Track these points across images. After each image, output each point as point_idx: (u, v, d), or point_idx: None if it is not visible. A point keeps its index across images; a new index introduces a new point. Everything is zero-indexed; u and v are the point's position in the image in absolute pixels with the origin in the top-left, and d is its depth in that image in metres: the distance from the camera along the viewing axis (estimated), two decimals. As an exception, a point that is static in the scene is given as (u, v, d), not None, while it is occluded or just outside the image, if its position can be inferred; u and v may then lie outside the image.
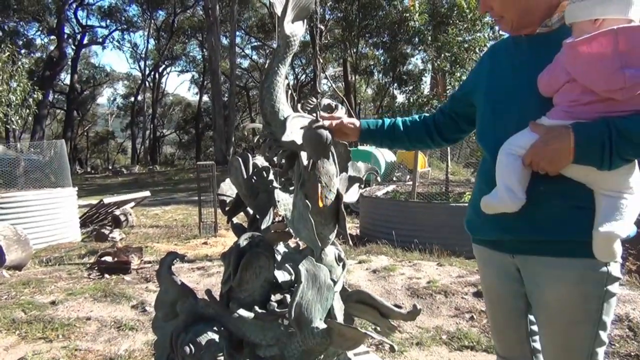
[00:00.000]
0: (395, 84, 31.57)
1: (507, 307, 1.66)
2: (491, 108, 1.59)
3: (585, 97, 1.34)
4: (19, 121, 11.21)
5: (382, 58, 31.28)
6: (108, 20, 37.78)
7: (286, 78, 1.54)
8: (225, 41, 34.28)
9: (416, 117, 1.90)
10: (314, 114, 1.51)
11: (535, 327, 1.64)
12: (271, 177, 1.62)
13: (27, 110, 10.71)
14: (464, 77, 8.33)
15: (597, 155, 1.31)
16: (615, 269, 1.43)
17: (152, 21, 39.67)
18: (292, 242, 1.73)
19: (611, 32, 1.28)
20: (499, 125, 1.54)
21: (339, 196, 1.44)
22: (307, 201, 1.35)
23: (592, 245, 1.37)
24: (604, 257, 1.37)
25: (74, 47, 36.70)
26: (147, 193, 11.92)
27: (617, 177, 1.37)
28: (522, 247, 1.51)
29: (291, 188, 1.58)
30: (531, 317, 1.63)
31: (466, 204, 6.68)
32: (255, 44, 40.38)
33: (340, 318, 1.54)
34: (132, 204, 11.02)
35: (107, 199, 10.05)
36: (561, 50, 1.39)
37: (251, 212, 1.67)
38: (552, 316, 1.48)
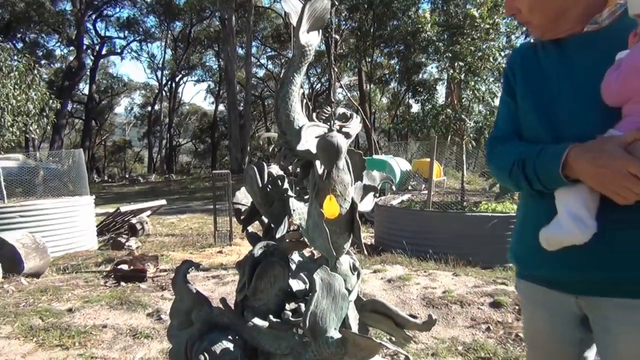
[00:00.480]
0: (410, 93, 31.58)
1: (559, 356, 1.44)
2: (548, 129, 1.32)
3: None
4: (38, 130, 11.38)
5: (397, 67, 31.33)
6: (126, 31, 38.59)
7: (301, 87, 1.55)
8: (241, 51, 34.66)
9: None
10: (329, 123, 1.51)
11: None
12: (286, 185, 1.63)
13: (46, 120, 10.86)
14: (478, 87, 8.29)
15: None
16: None
17: (169, 32, 40.26)
18: (306, 251, 1.73)
19: None
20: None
21: (353, 205, 1.44)
22: (322, 210, 1.35)
23: None
24: None
25: (92, 58, 37.41)
26: (163, 202, 12.00)
27: None
28: (590, 287, 1.26)
29: (306, 197, 1.58)
30: None
31: (483, 214, 6.68)
32: (271, 53, 40.73)
33: (354, 327, 1.53)
34: (149, 212, 11.10)
35: (124, 208, 10.14)
36: (631, 51, 1.16)
37: (266, 220, 1.68)
38: None
